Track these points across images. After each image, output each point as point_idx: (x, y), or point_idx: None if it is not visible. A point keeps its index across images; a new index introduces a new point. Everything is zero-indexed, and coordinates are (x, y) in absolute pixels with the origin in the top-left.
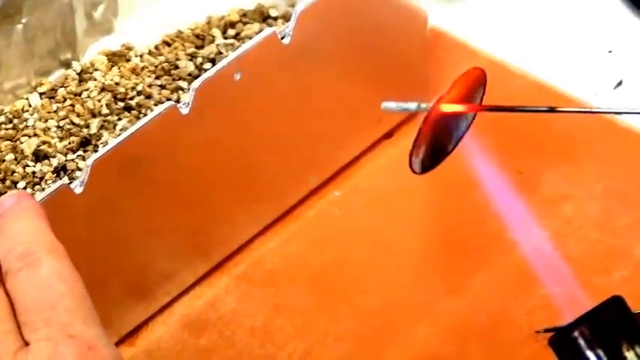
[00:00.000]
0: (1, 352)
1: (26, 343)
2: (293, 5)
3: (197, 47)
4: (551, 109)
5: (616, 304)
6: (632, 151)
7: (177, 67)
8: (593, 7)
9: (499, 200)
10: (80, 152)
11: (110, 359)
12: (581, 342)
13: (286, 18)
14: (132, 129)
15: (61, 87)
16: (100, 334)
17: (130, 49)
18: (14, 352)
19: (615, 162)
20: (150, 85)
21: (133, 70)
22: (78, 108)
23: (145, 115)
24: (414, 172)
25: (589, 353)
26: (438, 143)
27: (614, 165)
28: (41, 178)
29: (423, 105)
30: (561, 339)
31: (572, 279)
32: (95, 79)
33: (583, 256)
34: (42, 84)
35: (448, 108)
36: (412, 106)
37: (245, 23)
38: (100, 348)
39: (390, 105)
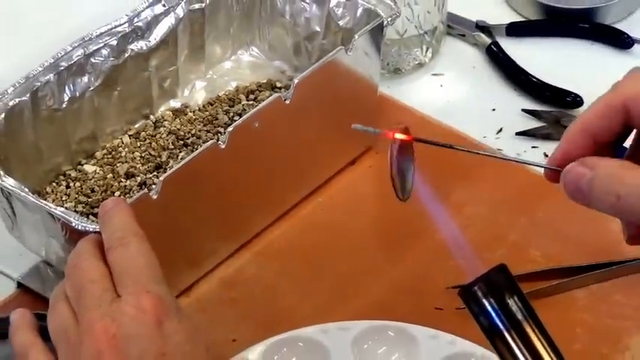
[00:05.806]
0: (102, 301)
1: (118, 297)
2: (291, 79)
3: (230, 106)
4: (451, 146)
5: (502, 269)
6: (508, 173)
7: (217, 119)
8: (483, 81)
9: (426, 203)
10: (155, 173)
11: (172, 306)
12: (479, 293)
13: (287, 88)
14: (188, 158)
15: (143, 131)
16: (166, 290)
17: (187, 107)
18: (111, 300)
19: (498, 181)
20: (200, 130)
21: (189, 121)
22: (153, 145)
23: (197, 149)
24: (399, 199)
25: (484, 301)
26: (402, 169)
27: (497, 183)
28: (130, 189)
29: (378, 130)
30: (466, 291)
31: (471, 254)
32: (165, 126)
33: (477, 240)
34: (130, 129)
35: (398, 135)
36: (371, 129)
37: (260, 91)
38: (166, 299)
39: (358, 126)
